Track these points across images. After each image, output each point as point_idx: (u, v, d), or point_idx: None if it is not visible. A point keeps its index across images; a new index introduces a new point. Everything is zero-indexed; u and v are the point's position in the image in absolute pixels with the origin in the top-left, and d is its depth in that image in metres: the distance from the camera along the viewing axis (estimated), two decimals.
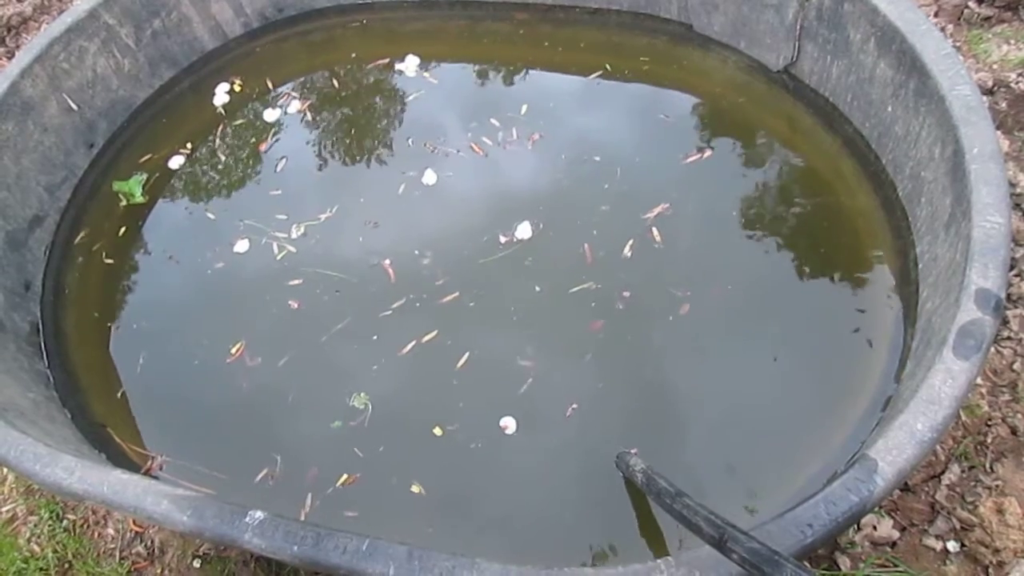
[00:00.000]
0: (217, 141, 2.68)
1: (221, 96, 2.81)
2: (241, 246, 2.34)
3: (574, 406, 1.89)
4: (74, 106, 2.55)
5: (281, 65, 2.93)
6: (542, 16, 2.79)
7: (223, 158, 2.64)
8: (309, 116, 2.72)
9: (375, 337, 2.07)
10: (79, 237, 2.47)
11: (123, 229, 2.48)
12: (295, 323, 2.14)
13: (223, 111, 2.78)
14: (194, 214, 2.50)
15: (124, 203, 2.53)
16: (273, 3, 2.94)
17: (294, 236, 2.33)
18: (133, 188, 2.54)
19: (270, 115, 2.73)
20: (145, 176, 2.58)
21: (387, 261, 2.21)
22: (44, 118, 2.46)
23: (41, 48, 2.43)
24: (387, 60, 2.82)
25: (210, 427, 2.02)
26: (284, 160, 2.58)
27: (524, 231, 2.20)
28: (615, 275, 2.08)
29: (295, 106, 2.75)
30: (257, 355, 2.10)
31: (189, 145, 2.68)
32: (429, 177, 2.39)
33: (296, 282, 2.22)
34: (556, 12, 2.78)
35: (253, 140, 2.67)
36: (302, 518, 1.81)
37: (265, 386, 2.05)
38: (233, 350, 2.11)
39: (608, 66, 2.62)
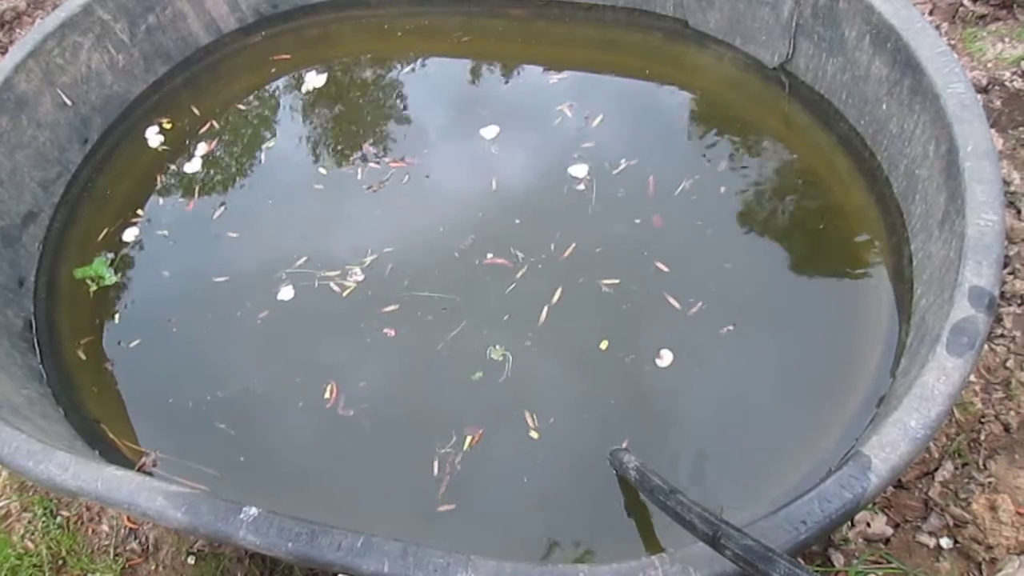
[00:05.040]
0: (161, 201, 2.52)
1: (154, 139, 2.68)
2: (285, 293, 2.17)
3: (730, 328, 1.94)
4: (68, 101, 2.54)
5: (272, 64, 2.93)
6: (537, 12, 2.79)
7: (185, 209, 2.47)
8: (304, 125, 2.71)
9: (506, 317, 2.03)
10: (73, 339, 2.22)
11: (117, 316, 2.25)
12: (400, 347, 2.04)
13: (164, 148, 2.65)
14: (194, 276, 2.30)
15: (94, 288, 2.31)
16: None
17: (356, 275, 2.18)
18: (99, 270, 2.32)
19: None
20: (111, 256, 2.37)
21: (489, 255, 2.14)
22: (38, 113, 2.45)
23: (35, 43, 2.42)
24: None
25: (365, 465, 1.90)
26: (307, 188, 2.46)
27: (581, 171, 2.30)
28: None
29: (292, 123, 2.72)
30: (360, 383, 1.99)
31: (140, 212, 2.48)
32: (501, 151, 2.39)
33: (391, 308, 2.10)
34: (551, 8, 2.77)
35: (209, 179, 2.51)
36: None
37: (385, 415, 1.94)
38: (327, 394, 1.98)
39: (603, 63, 2.62)
